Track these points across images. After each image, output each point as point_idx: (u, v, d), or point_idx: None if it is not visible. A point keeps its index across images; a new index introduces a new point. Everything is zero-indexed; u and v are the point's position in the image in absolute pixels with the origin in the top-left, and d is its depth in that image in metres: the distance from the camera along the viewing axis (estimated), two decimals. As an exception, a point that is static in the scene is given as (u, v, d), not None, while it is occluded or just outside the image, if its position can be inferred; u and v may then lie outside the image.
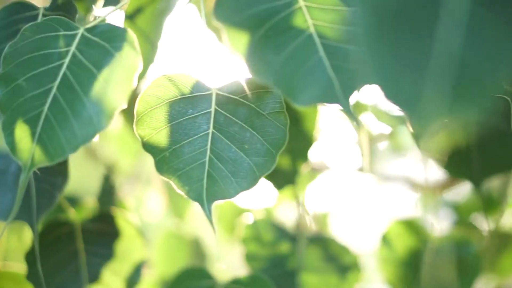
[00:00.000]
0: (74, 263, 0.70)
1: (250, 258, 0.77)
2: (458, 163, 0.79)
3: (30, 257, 0.69)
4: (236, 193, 0.47)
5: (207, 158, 0.48)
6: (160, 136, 0.48)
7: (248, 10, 0.43)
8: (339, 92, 0.41)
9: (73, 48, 0.46)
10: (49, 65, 0.46)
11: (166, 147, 0.48)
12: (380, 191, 1.15)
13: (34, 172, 0.64)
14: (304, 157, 0.70)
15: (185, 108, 0.49)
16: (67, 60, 0.46)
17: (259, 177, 0.47)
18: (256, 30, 0.43)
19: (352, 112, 0.40)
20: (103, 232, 0.72)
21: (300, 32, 0.43)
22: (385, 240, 0.86)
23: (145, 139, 0.48)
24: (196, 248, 0.97)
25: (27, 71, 0.46)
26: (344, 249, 0.80)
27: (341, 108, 0.41)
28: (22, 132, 0.45)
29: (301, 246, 0.79)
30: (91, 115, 0.44)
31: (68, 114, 0.44)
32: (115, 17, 0.68)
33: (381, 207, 1.18)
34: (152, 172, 1.03)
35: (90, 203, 0.80)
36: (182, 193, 0.47)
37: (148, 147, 0.48)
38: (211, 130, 0.48)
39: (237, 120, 0.48)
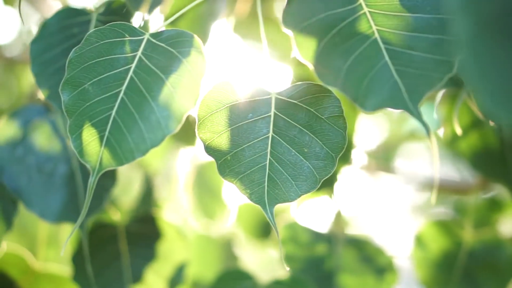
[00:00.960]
0: (118, 264, 0.71)
1: (289, 259, 0.78)
2: (493, 166, 0.79)
3: (76, 259, 0.70)
4: (297, 196, 0.48)
5: (267, 162, 0.48)
6: (221, 140, 0.49)
7: (314, 17, 0.44)
8: (406, 97, 0.42)
9: (139, 53, 0.47)
10: (115, 70, 0.47)
11: (228, 151, 0.48)
12: (410, 192, 1.16)
13: (84, 175, 0.65)
14: (346, 160, 0.71)
15: (245, 112, 0.49)
16: (133, 65, 0.47)
17: (319, 181, 0.48)
18: (322, 37, 0.43)
19: (422, 118, 0.41)
20: (145, 233, 0.73)
21: (365, 38, 0.44)
22: (419, 241, 0.86)
23: (207, 143, 0.49)
24: (228, 249, 0.98)
25: (93, 75, 0.47)
26: (379, 251, 0.81)
27: (410, 113, 0.42)
28: (89, 136, 0.46)
29: (337, 248, 0.80)
30: (159, 119, 0.45)
31: (136, 118, 0.45)
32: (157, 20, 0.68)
33: (412, 208, 1.19)
34: (179, 172, 1.04)
35: (129, 205, 0.81)
36: (244, 196, 0.48)
37: (210, 150, 0.48)
38: (271, 133, 0.49)
39: (296, 124, 0.49)
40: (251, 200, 0.48)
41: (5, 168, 0.65)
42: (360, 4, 0.45)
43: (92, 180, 0.45)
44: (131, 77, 0.46)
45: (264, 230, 1.03)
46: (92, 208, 0.64)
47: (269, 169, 0.48)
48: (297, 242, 0.80)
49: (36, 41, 0.60)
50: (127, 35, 0.48)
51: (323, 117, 0.49)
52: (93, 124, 0.46)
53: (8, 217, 0.67)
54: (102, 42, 0.48)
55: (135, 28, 0.48)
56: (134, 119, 0.45)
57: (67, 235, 0.84)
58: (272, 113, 0.49)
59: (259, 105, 0.49)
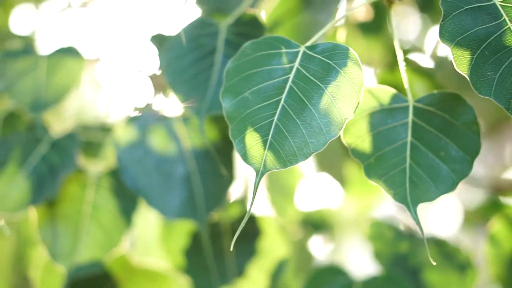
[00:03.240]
0: (222, 259, 0.75)
1: (377, 255, 0.82)
2: None
3: (190, 254, 0.74)
4: (436, 196, 0.52)
5: (407, 164, 0.53)
6: (365, 144, 0.53)
7: (466, 32, 0.48)
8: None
9: (296, 64, 0.51)
10: (273, 79, 0.51)
11: (370, 154, 0.53)
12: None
13: (202, 176, 0.69)
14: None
15: (384, 118, 0.54)
16: (291, 75, 0.51)
17: (457, 182, 0.52)
18: (475, 50, 0.48)
19: None
20: (247, 231, 0.77)
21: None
22: (493, 238, 0.90)
23: (352, 146, 0.53)
24: (301, 247, 1.02)
25: (252, 84, 0.51)
26: (457, 249, 0.85)
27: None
28: (252, 140, 0.50)
29: (419, 245, 0.84)
30: (321, 125, 0.49)
31: (298, 124, 0.49)
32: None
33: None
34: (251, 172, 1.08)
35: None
36: (389, 196, 0.52)
37: (355, 153, 0.53)
38: (409, 138, 0.53)
39: (432, 129, 0.53)
40: (395, 199, 0.52)
41: (126, 168, 0.70)
42: (504, 20, 0.49)
43: (257, 181, 0.49)
44: (290, 86, 0.50)
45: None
46: (211, 206, 0.69)
47: (409, 172, 0.52)
48: (384, 240, 0.84)
49: (167, 51, 0.64)
50: (283, 47, 0.52)
51: (457, 123, 0.53)
52: (255, 129, 0.50)
53: (128, 214, 0.71)
54: (258, 53, 0.52)
55: (290, 40, 0.52)
56: (296, 125, 0.49)
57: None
58: (410, 120, 0.53)
59: (397, 112, 0.54)
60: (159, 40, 0.79)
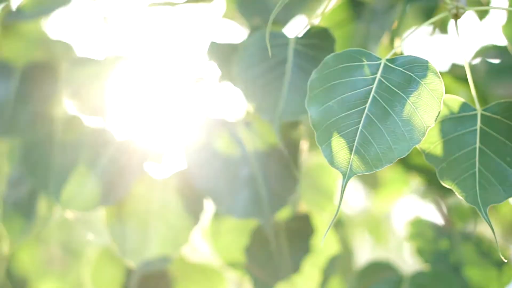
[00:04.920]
0: (279, 256, 0.79)
1: (418, 252, 0.86)
2: None
3: (249, 252, 0.78)
4: (504, 198, 0.57)
5: (476, 169, 0.57)
6: (437, 150, 0.57)
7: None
8: None
9: (378, 75, 0.55)
10: (356, 90, 0.55)
11: (443, 159, 0.57)
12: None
13: (265, 178, 0.73)
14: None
15: (454, 126, 0.58)
16: (374, 86, 0.55)
17: (523, 186, 0.57)
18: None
19: None
20: (301, 229, 0.81)
21: None
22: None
23: (426, 152, 0.57)
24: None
25: (336, 94, 0.56)
26: (493, 246, 0.89)
27: None
28: (338, 146, 0.54)
29: (457, 242, 0.88)
30: (404, 132, 0.53)
31: (382, 131, 0.54)
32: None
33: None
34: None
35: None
36: (461, 198, 0.57)
37: (429, 158, 0.57)
38: (477, 145, 0.58)
39: (499, 136, 0.58)
40: (467, 201, 0.57)
41: (194, 170, 0.74)
42: None
43: (344, 183, 0.54)
44: (374, 96, 0.55)
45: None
46: (274, 206, 0.73)
47: (478, 176, 0.57)
48: (424, 237, 0.88)
49: (238, 61, 0.68)
50: (364, 60, 0.56)
51: None
52: (341, 135, 0.54)
53: (195, 214, 0.75)
54: (340, 65, 0.57)
55: (371, 53, 0.57)
56: (380, 132, 0.54)
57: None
58: (478, 127, 0.58)
59: (466, 120, 0.58)
60: (216, 50, 0.83)
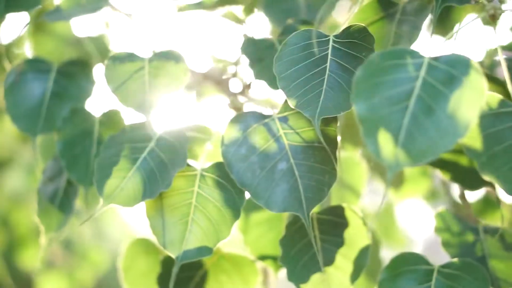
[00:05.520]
0: (313, 249, 0.82)
1: (445, 245, 0.89)
2: None
3: (283, 242, 0.81)
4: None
5: (516, 162, 0.60)
6: (477, 144, 0.60)
7: None
8: None
9: (422, 73, 0.58)
10: (401, 86, 0.58)
11: (483, 153, 0.60)
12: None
13: (301, 172, 0.75)
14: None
15: (492, 121, 0.61)
16: (418, 83, 0.58)
17: None
18: None
19: None
20: (335, 222, 0.83)
21: None
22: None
23: (466, 146, 0.60)
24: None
25: (381, 91, 0.58)
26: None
27: None
28: (384, 140, 0.57)
29: (481, 236, 0.91)
30: (448, 127, 0.56)
31: (426, 127, 0.56)
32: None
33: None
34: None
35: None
36: (503, 191, 0.60)
37: (469, 152, 0.60)
38: (516, 138, 0.61)
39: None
40: (509, 194, 0.60)
41: (233, 165, 0.76)
42: None
43: (390, 176, 0.56)
44: (418, 92, 0.58)
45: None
46: (310, 199, 0.75)
47: None
48: (450, 230, 0.91)
49: (279, 58, 0.71)
50: (408, 58, 0.59)
51: None
52: (387, 130, 0.57)
53: (235, 207, 0.78)
54: (385, 63, 0.59)
55: (414, 51, 0.59)
56: (425, 127, 0.56)
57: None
58: None
59: (504, 116, 0.61)
60: (251, 46, 0.86)
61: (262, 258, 0.94)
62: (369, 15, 0.83)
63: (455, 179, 0.94)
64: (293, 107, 0.71)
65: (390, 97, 0.58)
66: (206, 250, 0.77)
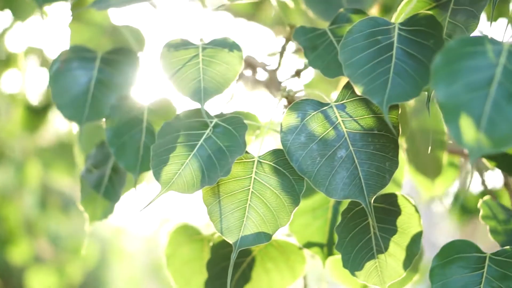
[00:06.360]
0: (368, 237, 0.82)
1: (493, 232, 0.90)
2: None
3: (339, 229, 0.81)
4: None
5: None
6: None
7: None
8: None
9: (503, 60, 0.59)
10: (481, 72, 0.59)
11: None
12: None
13: (360, 158, 0.76)
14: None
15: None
16: (499, 70, 0.58)
17: None
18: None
19: None
20: (387, 210, 0.84)
21: None
22: None
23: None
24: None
25: (461, 77, 0.59)
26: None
27: None
28: (466, 125, 0.57)
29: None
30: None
31: (508, 112, 0.57)
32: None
33: None
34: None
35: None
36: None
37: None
38: None
39: None
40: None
41: (292, 152, 0.77)
42: None
43: (472, 161, 0.57)
44: (499, 79, 0.58)
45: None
46: (371, 187, 0.76)
47: None
48: (496, 218, 0.92)
49: (344, 45, 0.72)
50: (488, 44, 0.60)
51: None
52: (468, 115, 0.58)
53: (294, 194, 0.78)
54: (464, 50, 0.60)
55: (493, 39, 0.60)
56: (506, 113, 0.57)
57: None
58: None
59: None
60: (303, 34, 0.86)
61: (309, 246, 0.95)
62: (421, 5, 0.84)
63: (501, 167, 0.95)
64: (359, 94, 0.72)
65: (471, 83, 0.58)
66: (264, 236, 0.78)
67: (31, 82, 1.96)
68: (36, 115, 1.94)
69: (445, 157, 1.11)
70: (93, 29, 1.13)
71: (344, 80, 1.06)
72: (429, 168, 1.12)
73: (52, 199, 2.76)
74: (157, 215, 4.72)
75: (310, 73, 1.02)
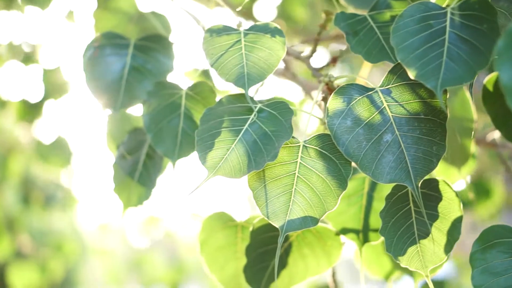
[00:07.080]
0: (410, 222, 0.83)
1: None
2: None
3: (383, 214, 0.82)
4: None
5: None
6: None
7: None
8: None
9: None
10: None
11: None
12: None
13: (410, 143, 0.76)
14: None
15: None
16: None
17: None
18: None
19: None
20: (429, 195, 0.84)
21: None
22: None
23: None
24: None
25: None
26: None
27: None
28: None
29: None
30: None
31: None
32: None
33: None
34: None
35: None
36: None
37: None
38: None
39: None
40: None
41: (339, 136, 0.77)
42: None
43: None
44: None
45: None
46: (418, 171, 0.76)
47: None
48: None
49: (396, 30, 0.72)
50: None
51: None
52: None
53: (343, 178, 0.78)
54: None
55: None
56: None
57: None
58: None
59: None
60: (345, 19, 0.86)
61: (344, 232, 0.95)
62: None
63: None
64: (412, 78, 0.72)
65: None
66: (311, 221, 0.78)
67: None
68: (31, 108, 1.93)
69: (473, 146, 1.11)
70: (119, 16, 1.13)
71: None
72: (456, 156, 1.12)
73: (35, 194, 2.75)
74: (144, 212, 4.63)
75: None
